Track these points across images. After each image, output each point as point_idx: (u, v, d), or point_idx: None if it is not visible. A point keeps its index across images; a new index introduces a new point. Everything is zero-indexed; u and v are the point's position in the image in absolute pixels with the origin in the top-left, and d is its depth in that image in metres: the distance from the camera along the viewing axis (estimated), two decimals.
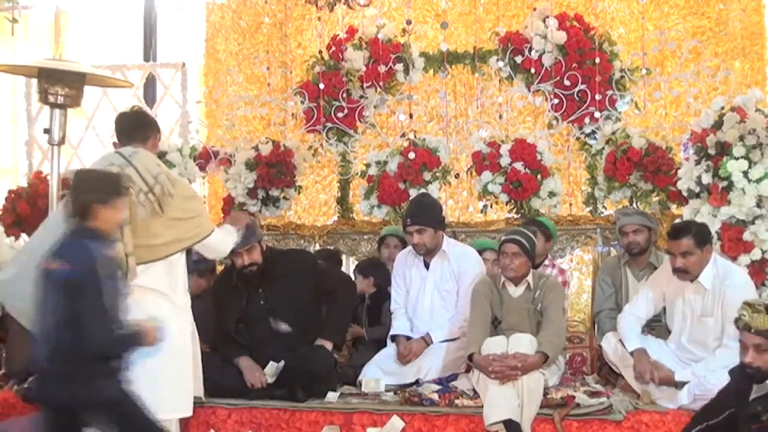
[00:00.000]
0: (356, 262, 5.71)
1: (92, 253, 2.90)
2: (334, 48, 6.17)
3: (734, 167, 4.50)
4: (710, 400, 3.45)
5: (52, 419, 2.99)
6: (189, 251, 3.70)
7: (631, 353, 4.05)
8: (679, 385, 3.89)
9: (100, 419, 2.98)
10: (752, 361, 3.01)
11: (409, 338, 4.50)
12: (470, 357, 3.97)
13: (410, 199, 5.27)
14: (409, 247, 4.63)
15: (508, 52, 5.88)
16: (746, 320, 3.02)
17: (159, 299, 3.30)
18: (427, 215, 4.48)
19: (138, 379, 3.22)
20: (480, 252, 4.77)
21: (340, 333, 4.54)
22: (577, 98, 5.72)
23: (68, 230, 3.03)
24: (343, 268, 5.74)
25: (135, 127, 3.51)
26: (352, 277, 5.13)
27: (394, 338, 4.56)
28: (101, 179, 3.09)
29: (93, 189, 3.00)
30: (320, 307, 4.52)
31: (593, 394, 3.92)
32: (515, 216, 5.56)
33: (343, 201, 6.23)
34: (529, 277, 4.14)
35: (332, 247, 5.83)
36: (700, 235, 3.93)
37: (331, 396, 4.17)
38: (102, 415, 2.98)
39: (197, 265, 4.36)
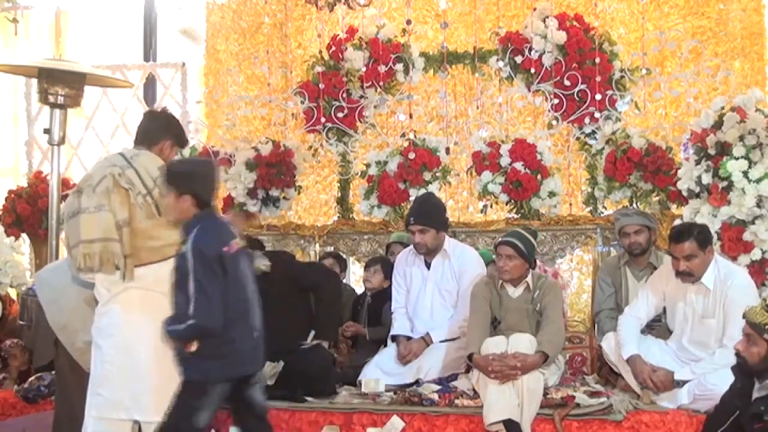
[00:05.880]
0: (356, 263, 5.69)
1: None
2: (334, 48, 6.18)
3: (734, 167, 4.50)
4: (714, 407, 3.47)
5: None
6: None
7: (627, 361, 4.04)
8: (680, 384, 3.89)
9: None
10: (741, 349, 3.14)
11: (409, 338, 4.50)
12: (470, 357, 3.97)
13: (416, 197, 5.22)
14: (410, 246, 4.62)
15: (508, 52, 5.88)
16: (745, 309, 3.17)
17: (165, 301, 3.29)
18: (431, 216, 4.47)
19: (143, 379, 3.24)
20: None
21: (332, 329, 4.54)
22: (577, 98, 5.72)
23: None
24: (347, 270, 5.73)
25: (142, 131, 3.52)
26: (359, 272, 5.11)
27: (394, 338, 4.56)
28: None
29: None
30: (307, 303, 4.48)
31: (593, 394, 3.91)
32: (515, 216, 5.55)
33: (343, 201, 6.23)
34: (528, 278, 4.14)
35: (332, 248, 5.83)
36: (702, 237, 3.92)
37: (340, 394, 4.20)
38: None
39: None
